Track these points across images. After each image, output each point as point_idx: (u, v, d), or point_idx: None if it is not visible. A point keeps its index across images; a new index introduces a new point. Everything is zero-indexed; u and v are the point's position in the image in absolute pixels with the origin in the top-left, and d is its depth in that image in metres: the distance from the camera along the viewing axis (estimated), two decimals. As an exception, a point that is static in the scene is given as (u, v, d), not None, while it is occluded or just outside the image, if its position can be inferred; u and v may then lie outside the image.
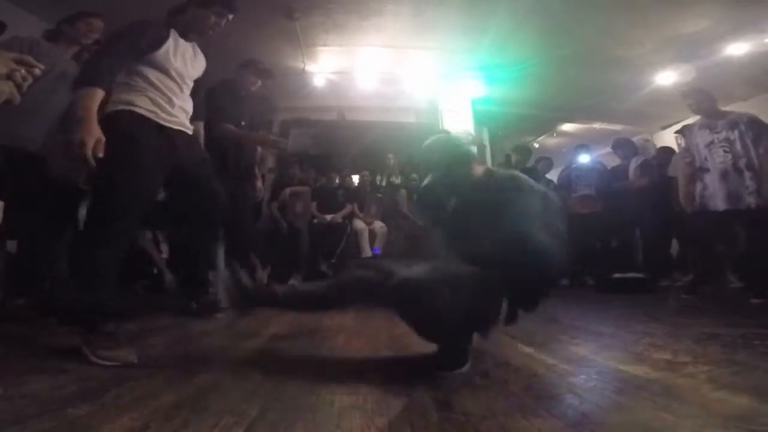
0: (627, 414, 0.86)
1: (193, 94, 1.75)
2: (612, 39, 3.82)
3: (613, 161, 4.44)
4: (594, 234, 3.99)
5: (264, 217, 4.54)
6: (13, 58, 0.73)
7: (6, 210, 1.94)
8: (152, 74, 1.54)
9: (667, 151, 4.15)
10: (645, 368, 1.19)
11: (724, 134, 2.78)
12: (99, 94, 1.34)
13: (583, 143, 4.76)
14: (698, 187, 2.88)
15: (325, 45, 4.07)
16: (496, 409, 0.90)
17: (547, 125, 6.43)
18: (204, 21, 1.68)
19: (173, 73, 1.59)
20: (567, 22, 3.55)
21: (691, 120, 3.13)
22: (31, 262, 2.02)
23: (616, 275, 3.51)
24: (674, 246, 4.06)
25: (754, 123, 2.75)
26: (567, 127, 6.42)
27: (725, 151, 2.75)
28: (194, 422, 0.82)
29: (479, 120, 5.25)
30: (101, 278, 1.39)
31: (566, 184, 4.32)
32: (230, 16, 1.75)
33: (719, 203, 2.74)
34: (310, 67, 4.46)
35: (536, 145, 6.77)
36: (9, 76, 0.71)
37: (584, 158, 4.45)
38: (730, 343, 1.51)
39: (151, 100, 1.51)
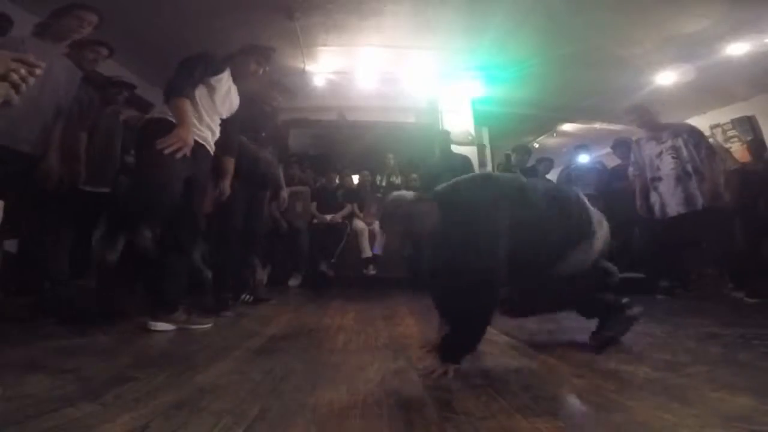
0: (627, 414, 0.86)
1: (228, 126, 2.06)
2: (612, 39, 3.82)
3: (613, 161, 4.44)
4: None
5: (264, 218, 4.53)
6: (12, 57, 0.72)
7: (6, 210, 1.94)
8: (199, 92, 1.85)
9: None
10: (645, 368, 1.19)
11: (670, 143, 3.02)
12: (188, 102, 1.76)
13: (583, 143, 4.76)
14: (653, 196, 3.10)
15: (325, 45, 4.07)
16: (496, 409, 0.90)
17: (547, 125, 6.43)
18: (246, 67, 2.05)
19: (216, 99, 1.91)
20: (567, 22, 3.55)
21: (695, 117, 3.36)
22: (31, 262, 2.03)
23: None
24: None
25: (693, 131, 3.05)
26: (567, 127, 6.42)
27: (673, 158, 2.99)
28: (194, 422, 0.82)
29: (479, 120, 5.24)
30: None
31: (566, 183, 4.31)
32: (267, 68, 2.14)
33: (678, 207, 2.94)
34: (310, 67, 4.46)
35: (536, 145, 6.76)
36: (5, 77, 0.70)
37: (584, 158, 4.45)
38: (730, 343, 1.51)
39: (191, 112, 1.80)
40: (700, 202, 2.87)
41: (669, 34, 3.70)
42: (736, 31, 3.61)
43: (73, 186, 2.25)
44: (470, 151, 4.69)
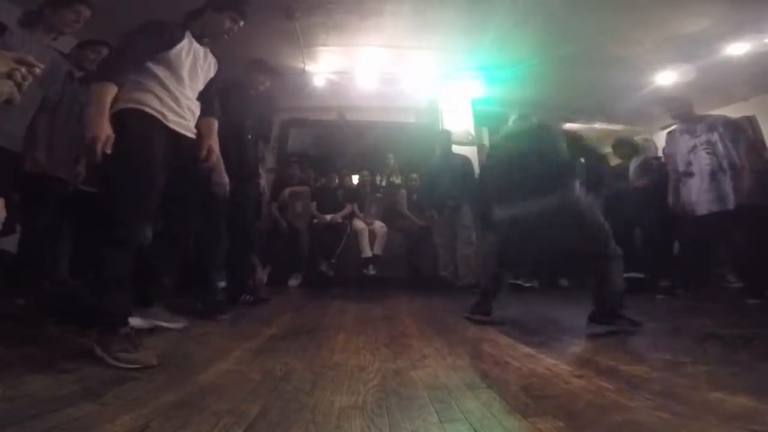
0: (627, 414, 0.86)
1: (205, 91, 1.77)
2: (612, 39, 3.82)
3: (613, 161, 4.44)
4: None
5: (264, 217, 4.53)
6: (13, 57, 0.72)
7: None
8: (162, 73, 1.55)
9: None
10: (645, 368, 1.19)
11: (704, 137, 2.84)
12: (112, 89, 1.39)
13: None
14: (684, 192, 2.94)
15: (325, 45, 4.07)
16: (496, 409, 0.90)
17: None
18: (219, 25, 1.73)
19: (184, 74, 1.61)
20: (567, 22, 3.54)
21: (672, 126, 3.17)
22: (30, 262, 2.02)
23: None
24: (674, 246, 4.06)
25: (730, 124, 2.84)
26: (567, 127, 6.42)
27: (708, 153, 2.80)
28: (194, 422, 0.82)
29: (479, 120, 5.24)
30: (117, 279, 1.40)
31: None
32: (241, 23, 1.81)
33: (710, 206, 2.78)
34: (310, 67, 4.46)
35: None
36: (9, 75, 0.70)
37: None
38: (730, 343, 1.51)
39: (160, 100, 1.52)
40: (731, 200, 2.70)
41: (669, 34, 3.70)
42: (736, 31, 3.61)
43: (73, 186, 2.25)
44: (470, 151, 4.69)
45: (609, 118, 5.64)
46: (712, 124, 2.84)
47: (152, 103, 1.50)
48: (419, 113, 5.41)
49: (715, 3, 3.28)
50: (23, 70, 0.71)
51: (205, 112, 1.75)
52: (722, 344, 1.49)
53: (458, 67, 4.52)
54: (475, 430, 0.80)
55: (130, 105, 1.47)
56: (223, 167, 2.12)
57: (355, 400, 0.96)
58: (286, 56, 4.22)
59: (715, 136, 2.80)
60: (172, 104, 1.55)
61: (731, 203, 2.71)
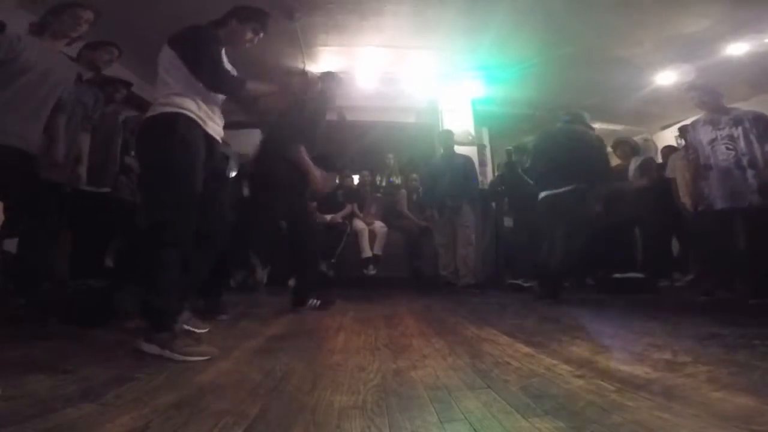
0: (627, 414, 0.86)
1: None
2: (612, 39, 3.82)
3: (613, 161, 4.44)
4: (594, 234, 3.98)
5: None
6: None
7: (5, 209, 1.95)
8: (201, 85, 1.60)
9: (671, 149, 4.13)
10: (645, 368, 1.19)
11: (727, 131, 2.71)
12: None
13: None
14: (704, 185, 2.80)
15: (325, 45, 4.07)
16: (496, 409, 0.90)
17: (547, 125, 6.42)
18: (241, 35, 1.79)
19: None
20: (567, 22, 3.55)
21: (695, 117, 3.05)
22: (30, 262, 2.02)
23: (616, 275, 3.51)
24: (674, 246, 4.06)
25: (759, 120, 2.68)
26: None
27: (728, 149, 2.68)
28: (194, 422, 0.81)
29: (479, 120, 5.25)
30: (170, 279, 1.45)
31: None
32: (261, 35, 1.87)
33: (721, 202, 2.68)
34: (310, 67, 4.46)
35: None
36: None
37: None
38: (730, 343, 1.50)
39: (198, 105, 1.57)
40: (748, 199, 2.59)
41: (669, 34, 3.70)
42: (736, 31, 3.61)
43: (73, 188, 2.26)
44: (470, 151, 4.70)
45: (609, 118, 5.64)
46: (739, 117, 2.71)
47: (192, 108, 1.55)
48: (419, 113, 5.41)
49: (715, 3, 3.28)
50: None
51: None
52: (722, 344, 1.48)
53: (458, 67, 4.52)
54: (475, 430, 0.80)
55: (173, 109, 1.52)
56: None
57: (355, 400, 0.96)
58: (286, 56, 4.22)
59: (739, 131, 2.67)
60: (207, 110, 1.61)
61: (746, 202, 2.60)
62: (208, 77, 1.57)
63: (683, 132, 3.15)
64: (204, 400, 0.94)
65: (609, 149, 4.44)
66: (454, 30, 3.78)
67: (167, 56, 1.58)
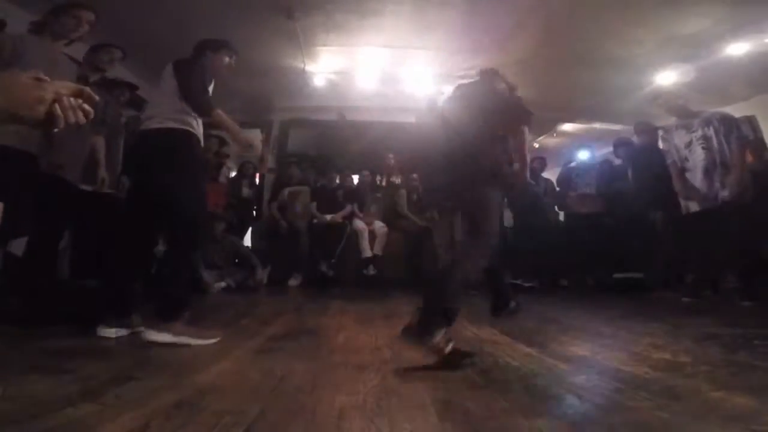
0: (627, 414, 0.86)
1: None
2: (612, 39, 3.82)
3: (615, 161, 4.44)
4: (594, 234, 3.98)
5: (264, 217, 4.54)
6: (67, 86, 0.66)
7: (5, 210, 1.94)
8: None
9: None
10: (645, 368, 1.19)
11: (700, 132, 2.81)
12: None
13: (584, 143, 4.76)
14: (682, 188, 2.90)
15: (325, 45, 4.07)
16: (496, 409, 0.90)
17: (547, 125, 6.41)
18: (220, 62, 1.94)
19: None
20: (567, 23, 3.54)
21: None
22: (31, 263, 2.02)
23: (616, 275, 3.51)
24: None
25: (725, 119, 2.82)
26: (567, 127, 6.41)
27: (704, 149, 2.78)
28: (194, 422, 0.81)
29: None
30: (187, 276, 1.75)
31: (566, 182, 4.31)
32: (235, 57, 2.00)
33: (704, 202, 2.77)
34: (310, 67, 4.46)
35: (536, 145, 6.76)
36: (55, 101, 0.65)
37: (584, 155, 4.44)
38: (730, 343, 1.51)
39: (198, 124, 1.81)
40: (720, 196, 2.68)
41: (669, 34, 3.70)
42: (736, 31, 3.61)
43: (75, 187, 2.25)
44: (470, 151, 4.69)
45: (609, 118, 5.64)
46: (708, 119, 2.83)
47: (195, 126, 1.78)
48: (419, 113, 5.40)
49: (715, 3, 3.27)
50: (72, 100, 0.67)
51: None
52: (722, 344, 1.49)
53: (458, 67, 4.52)
54: (475, 430, 0.80)
55: (183, 126, 1.73)
56: None
57: (355, 400, 0.96)
58: (286, 56, 4.22)
59: (711, 131, 2.78)
60: (200, 129, 1.84)
61: (718, 199, 2.70)
62: (195, 104, 1.77)
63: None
64: (204, 400, 0.94)
65: (609, 149, 4.45)
66: (454, 30, 3.78)
67: (171, 77, 1.78)
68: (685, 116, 2.93)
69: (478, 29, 3.73)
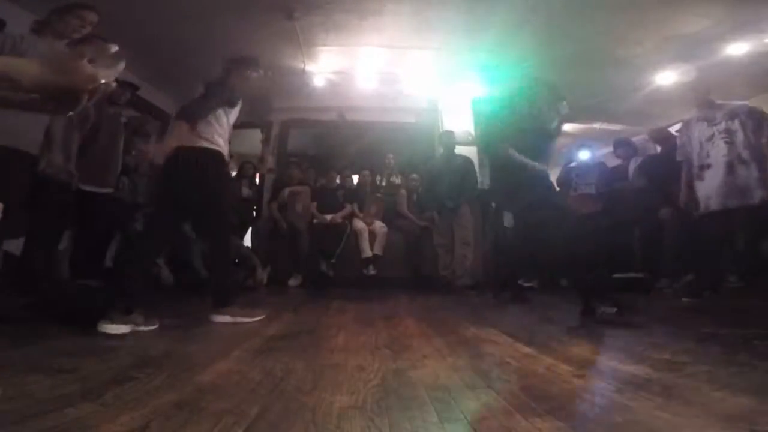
0: (627, 414, 0.86)
1: None
2: (612, 39, 3.82)
3: (614, 161, 4.44)
4: (593, 234, 3.98)
5: (264, 217, 4.54)
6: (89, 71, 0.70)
7: (5, 210, 1.94)
8: (226, 121, 2.10)
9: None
10: (645, 368, 1.19)
11: (724, 125, 2.62)
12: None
13: (584, 142, 4.76)
14: (701, 186, 2.70)
15: (325, 45, 4.07)
16: (496, 409, 0.90)
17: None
18: (247, 80, 2.19)
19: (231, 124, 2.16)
20: (567, 23, 3.54)
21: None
22: (31, 262, 2.03)
23: (616, 275, 3.51)
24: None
25: (754, 112, 2.64)
26: (567, 127, 6.39)
27: (727, 143, 2.58)
28: (194, 422, 0.81)
29: (479, 120, 5.24)
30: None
31: (566, 181, 4.31)
32: (261, 71, 2.27)
33: (726, 200, 2.56)
34: (310, 67, 4.46)
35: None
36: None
37: (584, 154, 4.44)
38: (730, 343, 1.51)
39: (225, 144, 2.09)
40: (758, 195, 2.47)
41: (669, 34, 3.70)
42: (736, 31, 3.61)
43: (75, 187, 2.25)
44: (470, 151, 4.69)
45: (609, 118, 5.64)
46: (734, 111, 2.64)
47: (224, 147, 2.10)
48: (419, 113, 5.40)
49: (715, 3, 3.28)
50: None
51: None
52: (722, 344, 1.49)
53: (458, 67, 4.52)
54: (475, 430, 0.80)
55: (216, 147, 2.05)
56: None
57: (355, 400, 0.96)
58: (286, 56, 4.22)
59: (736, 125, 2.58)
60: (227, 148, 2.13)
61: (755, 197, 2.48)
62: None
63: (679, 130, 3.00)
64: (204, 400, 0.94)
65: (609, 149, 4.44)
66: (454, 30, 3.78)
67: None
68: (708, 108, 2.73)
69: (478, 29, 3.73)
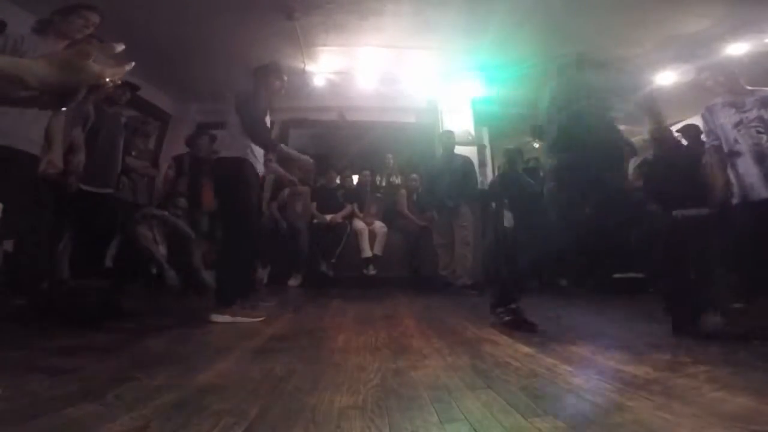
0: (627, 414, 0.86)
1: None
2: (612, 39, 3.82)
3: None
4: (594, 234, 3.97)
5: (264, 217, 4.53)
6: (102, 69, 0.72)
7: (5, 211, 1.94)
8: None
9: (691, 128, 3.71)
10: (645, 368, 1.19)
11: (755, 113, 2.43)
12: None
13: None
14: (731, 174, 2.50)
15: (325, 45, 4.07)
16: (496, 409, 0.90)
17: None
18: (272, 87, 2.34)
19: None
20: (567, 22, 3.54)
21: (695, 117, 2.89)
22: (30, 263, 2.03)
23: (616, 275, 3.51)
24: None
25: None
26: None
27: (759, 132, 2.40)
28: (194, 422, 0.81)
29: (479, 120, 5.24)
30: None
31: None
32: (285, 78, 2.41)
33: (761, 191, 2.38)
34: (310, 67, 4.46)
35: (537, 145, 6.76)
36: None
37: None
38: (730, 343, 1.51)
39: (252, 153, 2.20)
40: None
41: (669, 34, 3.70)
42: (736, 31, 3.61)
43: (75, 186, 2.25)
44: (470, 151, 4.70)
45: (609, 118, 5.63)
46: (766, 98, 2.45)
47: (252, 156, 2.20)
48: (419, 113, 5.40)
49: (715, 3, 3.28)
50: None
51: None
52: (722, 344, 1.49)
53: (458, 67, 4.52)
54: (475, 430, 0.80)
55: (246, 157, 2.17)
56: None
57: (355, 400, 0.96)
58: (286, 56, 4.22)
59: None
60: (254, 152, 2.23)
61: None
62: (261, 144, 2.25)
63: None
64: (204, 400, 0.94)
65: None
66: (454, 30, 3.78)
67: (234, 113, 2.19)
68: (737, 93, 2.54)
69: (478, 29, 3.74)
